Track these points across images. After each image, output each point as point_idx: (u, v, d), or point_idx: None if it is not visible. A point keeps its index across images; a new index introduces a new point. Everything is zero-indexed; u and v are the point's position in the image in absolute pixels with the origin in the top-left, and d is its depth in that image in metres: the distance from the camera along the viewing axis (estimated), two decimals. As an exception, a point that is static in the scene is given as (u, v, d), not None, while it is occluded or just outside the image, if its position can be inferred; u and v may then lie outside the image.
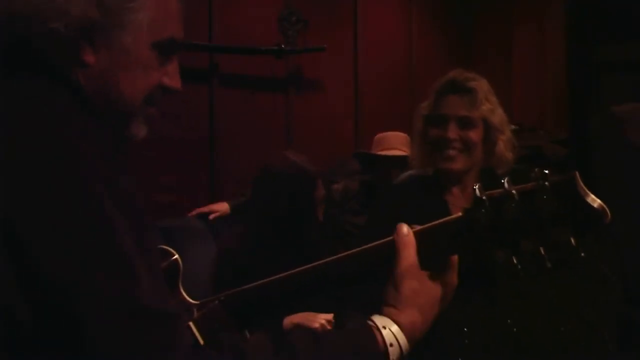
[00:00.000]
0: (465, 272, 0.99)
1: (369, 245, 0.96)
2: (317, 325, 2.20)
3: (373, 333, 0.90)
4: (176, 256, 1.10)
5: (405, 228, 0.93)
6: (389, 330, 0.90)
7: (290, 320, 2.24)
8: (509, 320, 1.77)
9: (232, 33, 4.02)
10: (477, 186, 0.85)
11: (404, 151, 3.33)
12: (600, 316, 1.88)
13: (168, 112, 3.74)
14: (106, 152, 0.85)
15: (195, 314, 1.02)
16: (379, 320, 0.91)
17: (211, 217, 3.45)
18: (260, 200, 2.47)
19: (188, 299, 1.06)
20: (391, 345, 0.89)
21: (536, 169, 0.81)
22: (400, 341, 0.90)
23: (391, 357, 0.89)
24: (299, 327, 2.22)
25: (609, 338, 1.87)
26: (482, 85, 1.98)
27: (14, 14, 0.86)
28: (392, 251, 0.93)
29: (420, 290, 0.92)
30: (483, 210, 0.84)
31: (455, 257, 0.96)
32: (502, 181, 0.84)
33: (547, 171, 0.81)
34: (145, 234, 0.83)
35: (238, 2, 4.14)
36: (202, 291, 1.16)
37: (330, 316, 2.23)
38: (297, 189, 2.42)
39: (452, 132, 1.94)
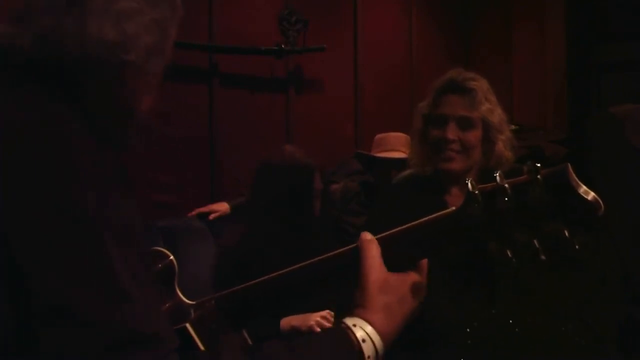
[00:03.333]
0: (462, 267, 1.00)
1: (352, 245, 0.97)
2: (312, 324, 2.21)
3: (345, 332, 0.91)
4: (171, 257, 1.10)
5: (367, 233, 0.96)
6: (360, 327, 0.91)
7: (288, 322, 2.25)
8: (510, 320, 1.78)
9: (232, 33, 4.02)
10: (469, 180, 0.85)
11: (404, 152, 3.32)
12: (600, 316, 1.88)
13: (168, 112, 3.76)
14: (110, 171, 0.82)
15: (193, 314, 1.02)
16: (350, 320, 0.92)
17: (211, 217, 3.45)
18: (261, 195, 2.46)
19: (184, 299, 1.06)
20: (364, 341, 0.90)
21: (528, 162, 0.81)
22: (373, 337, 0.91)
23: (365, 353, 0.90)
24: (295, 329, 2.22)
25: (609, 338, 1.87)
26: (481, 85, 1.98)
27: (88, 37, 0.83)
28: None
29: (386, 287, 0.93)
30: (476, 204, 0.84)
31: (425, 261, 0.97)
32: (495, 175, 0.84)
33: (539, 164, 0.81)
34: (140, 260, 0.80)
35: (238, 2, 4.14)
36: (202, 291, 1.16)
37: (325, 313, 2.23)
38: (296, 181, 2.42)
39: (451, 132, 1.94)
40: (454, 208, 0.89)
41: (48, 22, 0.84)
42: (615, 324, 1.95)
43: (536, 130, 4.63)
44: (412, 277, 0.96)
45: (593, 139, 2.68)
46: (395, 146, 3.51)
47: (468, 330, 1.75)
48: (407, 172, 2.21)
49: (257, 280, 1.02)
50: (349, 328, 0.91)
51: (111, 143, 0.90)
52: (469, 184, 0.85)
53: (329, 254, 0.99)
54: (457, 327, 1.77)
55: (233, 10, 4.07)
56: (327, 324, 2.20)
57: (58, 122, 0.80)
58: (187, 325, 0.97)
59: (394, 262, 0.95)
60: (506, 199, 0.82)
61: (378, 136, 3.70)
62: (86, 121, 0.84)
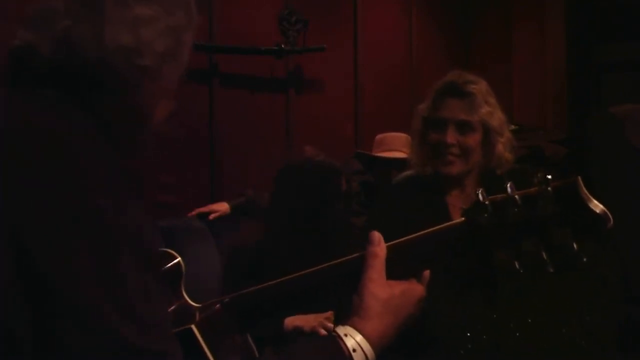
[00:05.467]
0: (465, 274, 1.00)
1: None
2: (315, 324, 2.21)
3: (336, 341, 0.92)
4: (179, 259, 1.10)
5: (376, 237, 0.96)
6: (352, 337, 0.92)
7: (291, 322, 2.25)
8: (511, 324, 1.78)
9: (232, 33, 4.02)
10: (480, 191, 0.86)
11: (405, 152, 3.32)
12: (601, 317, 1.88)
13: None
14: (123, 178, 0.84)
15: (198, 317, 1.02)
16: (342, 329, 0.93)
17: (211, 217, 3.45)
18: (284, 197, 2.44)
19: (190, 301, 1.06)
20: (354, 350, 0.91)
21: (539, 174, 0.81)
22: (364, 346, 0.92)
23: None
24: (298, 330, 2.22)
25: (609, 339, 1.87)
26: (481, 88, 1.97)
27: (115, 44, 0.85)
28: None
29: (384, 297, 0.94)
30: (485, 214, 0.85)
31: (428, 272, 0.98)
32: (506, 186, 0.84)
33: (549, 176, 0.81)
34: (150, 267, 0.81)
35: (238, 2, 4.14)
36: (202, 291, 1.16)
37: (329, 314, 2.23)
38: (325, 184, 2.41)
39: (451, 136, 1.94)
40: (463, 219, 0.89)
41: (65, 27, 0.85)
42: (615, 325, 1.94)
43: (536, 130, 4.63)
44: (412, 286, 0.97)
45: (593, 139, 2.69)
46: (395, 146, 3.51)
47: (469, 334, 1.75)
48: (407, 172, 2.21)
49: (263, 285, 1.02)
50: (340, 337, 0.92)
51: (125, 149, 0.93)
52: (480, 195, 0.86)
53: (336, 261, 0.99)
54: (458, 331, 1.77)
55: (233, 10, 4.07)
56: (331, 325, 2.20)
57: (73, 129, 0.81)
58: (193, 326, 0.96)
59: (397, 270, 0.95)
60: (516, 210, 0.83)
61: (378, 136, 3.70)
62: (101, 128, 0.85)
